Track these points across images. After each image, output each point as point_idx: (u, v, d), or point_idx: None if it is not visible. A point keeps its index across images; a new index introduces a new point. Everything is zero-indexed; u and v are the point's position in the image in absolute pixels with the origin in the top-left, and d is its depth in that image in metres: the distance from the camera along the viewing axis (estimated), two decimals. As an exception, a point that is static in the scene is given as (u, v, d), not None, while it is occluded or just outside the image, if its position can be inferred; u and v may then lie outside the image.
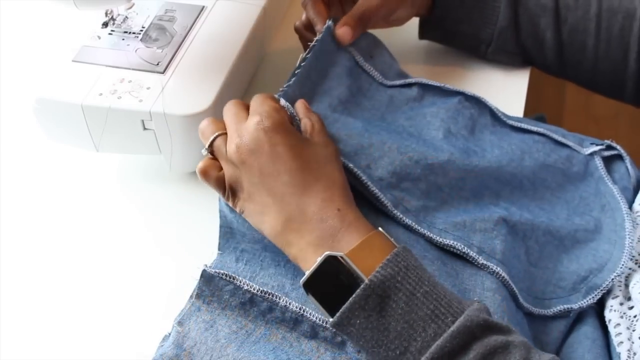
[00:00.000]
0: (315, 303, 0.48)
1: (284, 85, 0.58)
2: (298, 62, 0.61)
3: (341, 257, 0.46)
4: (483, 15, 0.69)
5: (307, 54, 0.61)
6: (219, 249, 0.55)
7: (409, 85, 0.67)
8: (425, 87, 0.66)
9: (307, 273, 0.47)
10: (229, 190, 0.52)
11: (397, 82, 0.67)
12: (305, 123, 0.55)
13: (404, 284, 0.45)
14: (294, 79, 0.59)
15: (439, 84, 0.66)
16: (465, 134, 0.63)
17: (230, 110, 0.53)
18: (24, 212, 0.62)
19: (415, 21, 0.73)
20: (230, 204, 0.53)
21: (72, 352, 0.53)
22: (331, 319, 0.46)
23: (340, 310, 0.45)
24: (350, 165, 0.55)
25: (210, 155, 0.53)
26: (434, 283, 0.46)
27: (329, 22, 0.66)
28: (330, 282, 0.46)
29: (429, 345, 0.43)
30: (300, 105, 0.56)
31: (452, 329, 0.43)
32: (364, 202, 0.56)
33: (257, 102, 0.53)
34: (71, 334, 0.54)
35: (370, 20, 0.66)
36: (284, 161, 0.50)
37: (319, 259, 0.47)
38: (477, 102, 0.65)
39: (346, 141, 0.57)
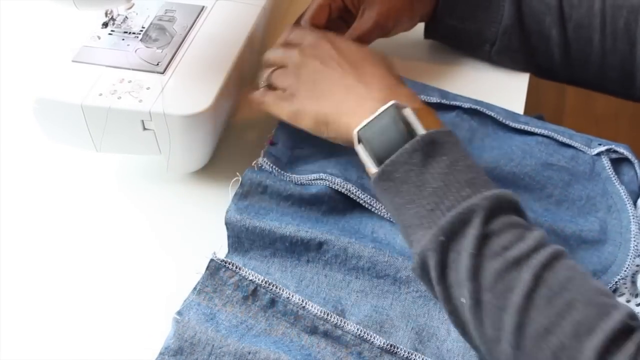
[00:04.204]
0: (364, 153, 0.50)
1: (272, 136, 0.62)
2: None
3: (405, 109, 0.49)
4: (488, 13, 0.69)
5: None
6: (226, 256, 0.56)
7: None
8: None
9: (367, 119, 0.50)
10: (286, 96, 0.58)
11: None
12: None
13: (451, 152, 0.47)
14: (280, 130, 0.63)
15: (436, 99, 0.66)
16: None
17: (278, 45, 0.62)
18: (24, 213, 0.62)
19: (423, 25, 0.73)
20: (290, 108, 0.57)
21: (73, 353, 0.53)
22: (375, 170, 0.49)
23: (387, 161, 0.48)
24: (339, 179, 0.57)
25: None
26: (476, 164, 0.48)
27: None
28: (388, 131, 0.49)
29: (459, 204, 0.45)
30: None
31: (485, 193, 0.45)
32: (364, 210, 0.57)
33: (303, 32, 0.61)
34: (72, 334, 0.54)
35: (368, 41, 0.66)
36: (348, 50, 0.57)
37: (384, 107, 0.49)
38: (477, 113, 0.65)
39: (336, 161, 0.59)
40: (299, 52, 0.58)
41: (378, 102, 0.50)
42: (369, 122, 0.50)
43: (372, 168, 0.49)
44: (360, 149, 0.50)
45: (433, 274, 0.46)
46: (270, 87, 0.61)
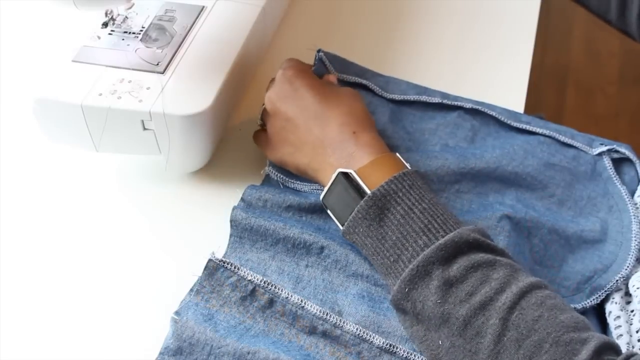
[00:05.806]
0: (332, 215, 0.54)
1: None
2: None
3: (350, 173, 0.52)
4: None
5: None
6: (223, 256, 0.56)
7: (409, 102, 0.67)
8: (425, 104, 0.67)
9: (324, 189, 0.54)
10: (271, 143, 0.60)
11: (397, 97, 0.67)
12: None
13: (404, 200, 0.49)
14: None
15: (438, 100, 0.66)
16: (465, 145, 0.63)
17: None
18: (23, 213, 0.62)
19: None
20: (274, 156, 0.60)
21: (73, 353, 0.53)
22: (342, 228, 0.53)
23: (347, 220, 0.51)
24: None
25: (261, 126, 0.62)
26: (434, 203, 0.50)
27: (320, 54, 0.67)
28: (342, 196, 0.52)
29: (418, 255, 0.47)
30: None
31: (440, 241, 0.47)
32: None
33: (284, 62, 0.61)
34: (72, 335, 0.54)
35: None
36: (305, 99, 0.57)
37: (332, 176, 0.53)
38: (478, 113, 0.66)
39: None
40: (268, 103, 0.59)
41: (332, 168, 0.54)
42: (327, 191, 0.54)
43: (341, 227, 0.53)
44: (329, 212, 0.55)
45: (409, 320, 0.48)
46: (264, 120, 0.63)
